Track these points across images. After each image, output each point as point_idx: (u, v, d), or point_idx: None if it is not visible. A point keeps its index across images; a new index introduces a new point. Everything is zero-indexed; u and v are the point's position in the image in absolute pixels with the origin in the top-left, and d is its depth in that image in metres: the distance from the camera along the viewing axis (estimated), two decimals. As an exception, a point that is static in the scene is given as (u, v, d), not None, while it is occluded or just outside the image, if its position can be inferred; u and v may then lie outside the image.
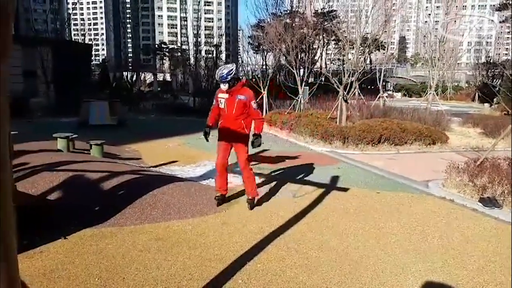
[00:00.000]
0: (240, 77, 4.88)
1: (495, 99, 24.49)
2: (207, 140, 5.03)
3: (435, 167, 7.41)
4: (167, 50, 62.16)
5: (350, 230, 4.22)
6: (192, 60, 28.49)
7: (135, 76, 28.14)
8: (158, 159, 7.80)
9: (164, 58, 61.27)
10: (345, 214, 4.75)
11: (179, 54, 49.36)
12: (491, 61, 34.94)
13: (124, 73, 31.10)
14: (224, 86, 4.71)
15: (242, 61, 28.27)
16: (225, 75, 4.63)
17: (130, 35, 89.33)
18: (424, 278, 3.22)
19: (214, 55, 28.58)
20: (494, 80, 31.11)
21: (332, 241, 3.93)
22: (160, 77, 46.40)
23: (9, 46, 1.55)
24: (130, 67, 37.88)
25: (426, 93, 20.06)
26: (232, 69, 4.70)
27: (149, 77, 38.25)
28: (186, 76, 32.89)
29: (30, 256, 3.31)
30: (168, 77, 46.48)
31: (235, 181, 6.16)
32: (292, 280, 3.14)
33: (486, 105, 26.20)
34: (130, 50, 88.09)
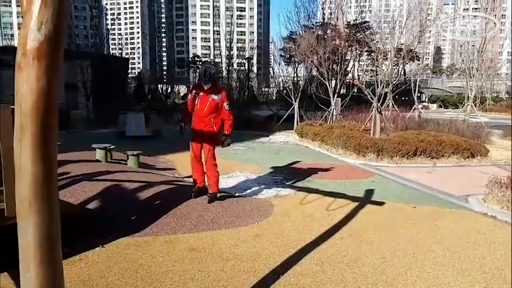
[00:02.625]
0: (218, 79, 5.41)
1: (539, 111, 23.34)
2: (182, 133, 5.49)
3: (474, 181, 7.13)
4: (200, 63, 63.44)
5: (385, 246, 4.11)
6: (224, 73, 28.91)
7: (169, 89, 28.83)
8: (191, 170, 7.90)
9: (197, 70, 62.45)
10: (380, 229, 4.63)
11: (212, 66, 50.02)
12: (534, 71, 33.43)
13: (159, 85, 31.96)
14: (204, 85, 5.04)
15: (274, 73, 28.39)
16: (211, 75, 5.02)
17: (165, 49, 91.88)
18: (465, 298, 3.09)
19: (246, 67, 28.87)
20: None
21: (367, 256, 3.84)
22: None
23: (61, 65, 1.63)
24: (165, 80, 38.89)
25: (463, 105, 19.42)
26: (214, 70, 5.25)
27: (183, 89, 39.08)
28: (219, 88, 33.12)
29: (71, 263, 3.42)
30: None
31: (266, 194, 6.16)
32: (326, 295, 3.09)
33: (529, 116, 24.97)
34: (164, 63, 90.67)
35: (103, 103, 19.13)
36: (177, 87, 32.65)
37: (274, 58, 29.70)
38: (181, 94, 36.89)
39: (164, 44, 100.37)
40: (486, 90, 31.40)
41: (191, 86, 6.10)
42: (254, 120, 18.82)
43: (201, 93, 5.10)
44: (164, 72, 61.37)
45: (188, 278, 3.29)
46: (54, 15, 1.48)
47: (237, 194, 6.07)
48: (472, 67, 18.49)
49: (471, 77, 17.83)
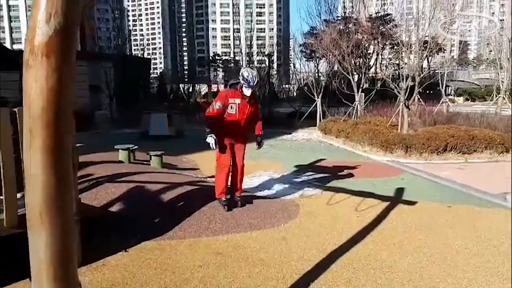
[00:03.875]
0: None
1: None
2: (216, 147, 4.63)
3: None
4: (220, 61, 63.62)
5: (421, 249, 3.86)
6: (245, 70, 28.75)
7: (191, 88, 28.95)
8: (214, 170, 7.79)
9: (218, 69, 62.85)
10: (414, 231, 4.37)
11: (232, 64, 50.28)
12: None
13: (180, 85, 32.14)
14: (248, 91, 4.56)
15: (295, 68, 28.10)
16: (255, 80, 4.51)
17: (186, 48, 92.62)
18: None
19: (267, 64, 28.67)
20: None
21: (403, 260, 3.60)
22: (214, 88, 47.52)
23: (73, 61, 1.48)
24: (186, 79, 39.13)
25: (492, 97, 18.64)
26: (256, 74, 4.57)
27: (204, 88, 39.24)
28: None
29: (93, 269, 3.33)
30: (222, 88, 47.42)
31: (291, 194, 5.96)
32: (360, 304, 2.88)
33: None
34: (186, 62, 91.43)
35: (126, 104, 19.31)
36: (198, 86, 32.79)
37: (295, 54, 29.39)
38: (202, 93, 37.05)
39: (184, 44, 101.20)
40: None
41: (221, 89, 5.27)
42: (276, 117, 18.64)
43: (240, 101, 4.62)
44: (185, 72, 61.87)
45: (214, 285, 3.15)
46: (64, 5, 1.33)
47: (261, 195, 5.90)
48: (500, 58, 17.74)
49: (501, 68, 17.08)
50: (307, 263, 3.53)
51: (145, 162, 7.58)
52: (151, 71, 37.76)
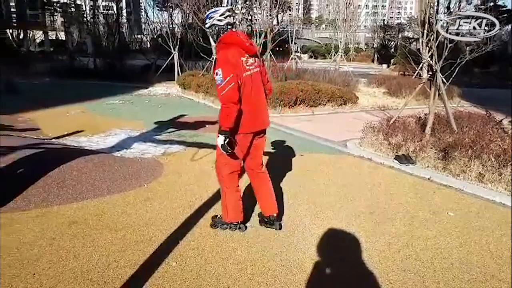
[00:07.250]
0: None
1: (392, 60, 26.48)
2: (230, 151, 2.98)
3: (349, 127, 7.72)
4: (58, 4, 55.51)
5: (283, 195, 4.13)
6: (89, 17, 25.70)
7: (22, 34, 24.68)
8: (59, 130, 6.91)
9: (55, 14, 54.85)
10: (274, 179, 4.63)
11: (73, 9, 44.43)
12: (387, 24, 37.50)
13: (7, 30, 27.06)
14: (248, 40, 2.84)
15: (148, 17, 26.42)
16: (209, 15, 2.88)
17: (11, -14, 77.90)
18: (363, 237, 3.25)
19: (115, 10, 26.13)
20: (390, 42, 33.61)
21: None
22: (52, 35, 41.58)
23: None
24: (15, 24, 33.14)
25: (331, 55, 20.82)
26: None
27: (39, 35, 33.89)
28: (83, 35, 29.75)
29: None
30: (62, 36, 41.73)
31: (153, 152, 5.70)
32: (230, 256, 2.94)
33: (384, 66, 28.25)
34: (12, 3, 76.96)
35: None
36: (31, 32, 28.09)
37: (147, 2, 27.51)
38: (37, 41, 32.05)
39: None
40: (349, 41, 34.24)
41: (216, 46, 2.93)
42: (130, 70, 17.43)
43: (251, 61, 2.88)
44: (13, 15, 52.17)
45: (71, 258, 2.81)
46: None
47: (119, 155, 5.47)
48: (338, 19, 19.75)
49: (339, 28, 19.06)
50: (175, 222, 3.44)
51: (-33, 123, 6.24)
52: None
